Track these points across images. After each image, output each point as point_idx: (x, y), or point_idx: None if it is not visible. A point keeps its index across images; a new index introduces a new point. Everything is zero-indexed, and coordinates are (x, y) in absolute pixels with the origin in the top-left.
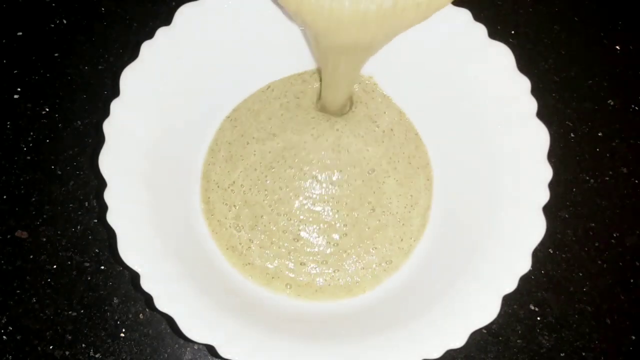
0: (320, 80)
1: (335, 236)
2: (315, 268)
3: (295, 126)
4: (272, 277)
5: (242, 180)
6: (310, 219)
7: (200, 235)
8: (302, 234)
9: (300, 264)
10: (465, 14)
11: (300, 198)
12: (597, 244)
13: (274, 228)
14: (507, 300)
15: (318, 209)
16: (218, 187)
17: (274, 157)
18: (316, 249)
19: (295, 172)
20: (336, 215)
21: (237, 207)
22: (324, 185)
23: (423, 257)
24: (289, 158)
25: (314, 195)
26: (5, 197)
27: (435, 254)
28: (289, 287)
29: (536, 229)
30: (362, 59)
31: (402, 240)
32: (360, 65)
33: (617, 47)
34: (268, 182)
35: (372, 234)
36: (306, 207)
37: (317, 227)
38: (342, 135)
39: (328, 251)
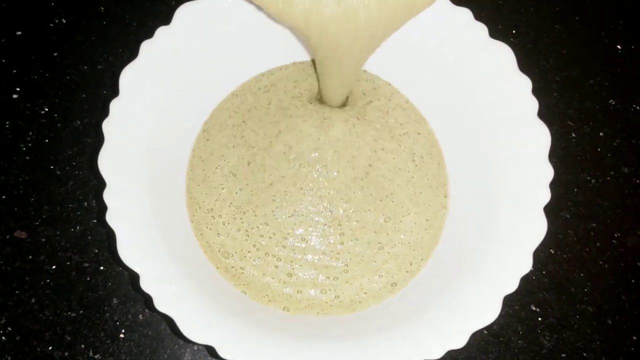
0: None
1: (336, 273)
2: (315, 295)
3: (254, 183)
4: (269, 300)
5: (219, 211)
6: (304, 263)
7: (196, 246)
8: (297, 272)
9: (298, 292)
10: (466, 13)
11: (289, 246)
12: (598, 244)
13: (263, 263)
14: (508, 300)
15: (314, 257)
16: (200, 208)
17: (242, 201)
18: (314, 282)
19: (275, 232)
20: (339, 262)
21: (220, 236)
22: (318, 242)
23: (429, 271)
24: (260, 216)
25: (307, 248)
26: (4, 197)
27: (440, 263)
28: (287, 310)
29: (537, 229)
30: (359, 58)
31: (411, 264)
32: (360, 64)
33: (619, 46)
34: (243, 223)
35: (379, 266)
36: (299, 256)
37: (315, 271)
38: (349, 226)
39: (328, 283)
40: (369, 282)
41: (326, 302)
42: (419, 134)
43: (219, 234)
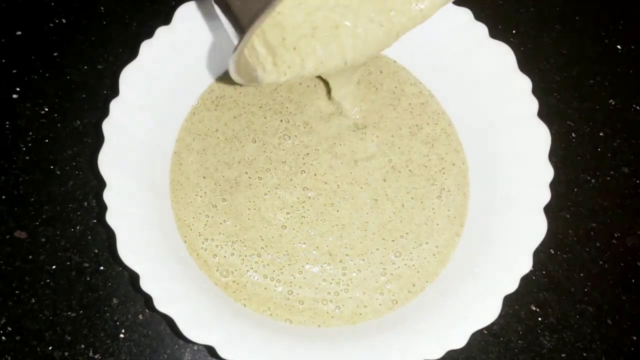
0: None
1: (337, 288)
2: (316, 307)
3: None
4: (271, 314)
5: (210, 235)
6: (304, 284)
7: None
8: (297, 291)
9: (300, 302)
10: (466, 13)
11: (287, 272)
12: (598, 244)
13: (263, 281)
14: (508, 300)
15: (314, 282)
16: (190, 230)
17: (230, 232)
18: (314, 298)
19: (269, 264)
20: (339, 285)
21: (217, 257)
22: (317, 271)
23: (430, 291)
24: (251, 248)
25: (306, 278)
26: (4, 197)
27: (444, 283)
28: (289, 321)
29: (537, 229)
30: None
31: (414, 285)
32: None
33: (618, 46)
34: (235, 250)
35: (381, 286)
36: (298, 279)
37: (315, 288)
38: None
39: (329, 297)
40: (370, 300)
41: (327, 313)
42: (453, 164)
43: (215, 254)
